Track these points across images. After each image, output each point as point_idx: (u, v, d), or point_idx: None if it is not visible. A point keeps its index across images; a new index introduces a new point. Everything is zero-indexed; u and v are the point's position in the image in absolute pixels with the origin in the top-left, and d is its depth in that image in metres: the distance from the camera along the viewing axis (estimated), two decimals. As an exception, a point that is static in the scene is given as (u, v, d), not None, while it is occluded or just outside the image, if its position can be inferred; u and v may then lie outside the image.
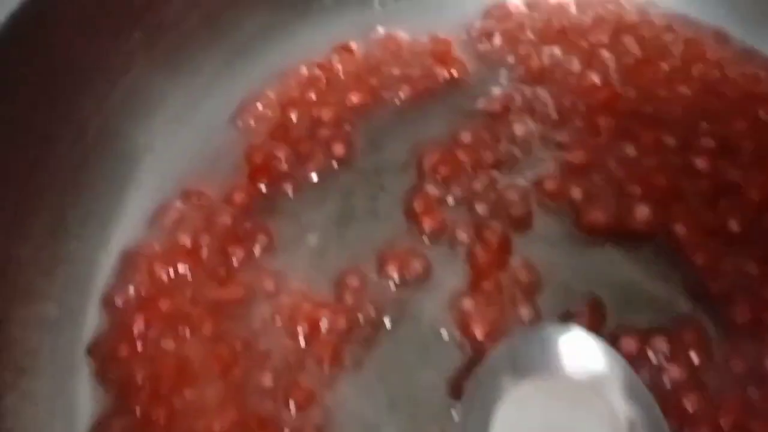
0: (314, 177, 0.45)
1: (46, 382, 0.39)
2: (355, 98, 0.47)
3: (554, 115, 0.46)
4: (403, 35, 0.50)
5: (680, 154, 0.43)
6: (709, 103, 0.45)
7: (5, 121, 0.38)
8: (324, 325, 0.39)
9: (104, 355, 0.40)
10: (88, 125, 0.42)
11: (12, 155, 0.39)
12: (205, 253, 0.42)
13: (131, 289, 0.41)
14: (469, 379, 0.36)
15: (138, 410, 0.37)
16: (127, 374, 0.39)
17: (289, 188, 0.45)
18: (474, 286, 0.40)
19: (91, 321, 0.41)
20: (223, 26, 0.47)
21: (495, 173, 0.44)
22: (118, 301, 0.41)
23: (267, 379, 0.38)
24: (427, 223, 0.42)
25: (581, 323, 0.39)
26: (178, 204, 0.44)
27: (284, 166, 0.45)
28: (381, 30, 0.50)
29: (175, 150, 0.46)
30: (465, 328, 0.39)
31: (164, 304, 0.40)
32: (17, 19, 0.37)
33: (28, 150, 0.39)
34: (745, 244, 0.41)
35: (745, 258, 0.40)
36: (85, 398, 0.39)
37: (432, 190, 0.43)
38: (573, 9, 0.50)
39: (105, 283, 0.42)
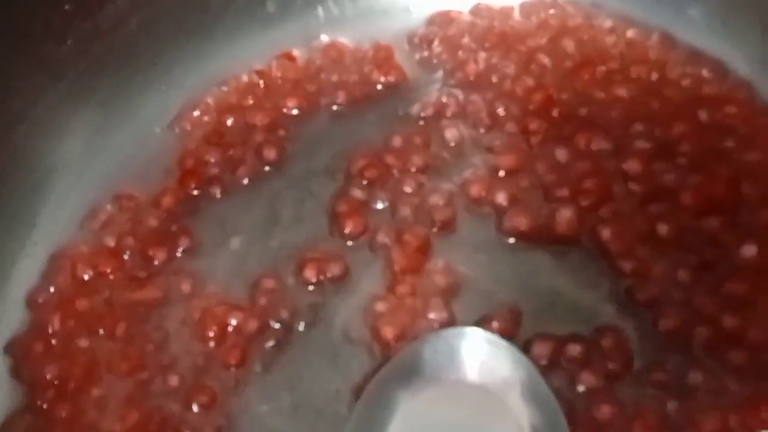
0: (245, 181, 0.45)
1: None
2: (291, 104, 0.48)
3: (487, 120, 0.45)
4: (346, 43, 0.50)
5: (613, 158, 0.42)
6: (647, 105, 0.44)
7: None
8: (233, 326, 0.39)
9: (20, 353, 0.40)
10: (17, 128, 0.43)
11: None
12: (127, 254, 0.42)
13: (52, 289, 0.41)
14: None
15: (44, 407, 0.37)
16: (39, 371, 0.39)
17: (217, 192, 0.45)
18: (389, 290, 0.39)
19: (11, 320, 0.41)
20: (164, 32, 0.48)
21: (422, 177, 0.43)
22: (40, 300, 0.41)
23: (173, 381, 0.38)
24: (349, 226, 0.42)
25: (496, 329, 0.37)
26: (108, 207, 0.44)
27: (214, 170, 0.45)
28: (325, 38, 0.50)
29: (109, 155, 0.47)
30: (376, 331, 0.38)
31: (81, 304, 0.41)
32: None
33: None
34: (676, 251, 0.39)
35: (676, 265, 0.38)
36: (1, 395, 0.39)
37: (357, 193, 0.43)
38: (516, 14, 0.49)
39: (31, 284, 0.42)
